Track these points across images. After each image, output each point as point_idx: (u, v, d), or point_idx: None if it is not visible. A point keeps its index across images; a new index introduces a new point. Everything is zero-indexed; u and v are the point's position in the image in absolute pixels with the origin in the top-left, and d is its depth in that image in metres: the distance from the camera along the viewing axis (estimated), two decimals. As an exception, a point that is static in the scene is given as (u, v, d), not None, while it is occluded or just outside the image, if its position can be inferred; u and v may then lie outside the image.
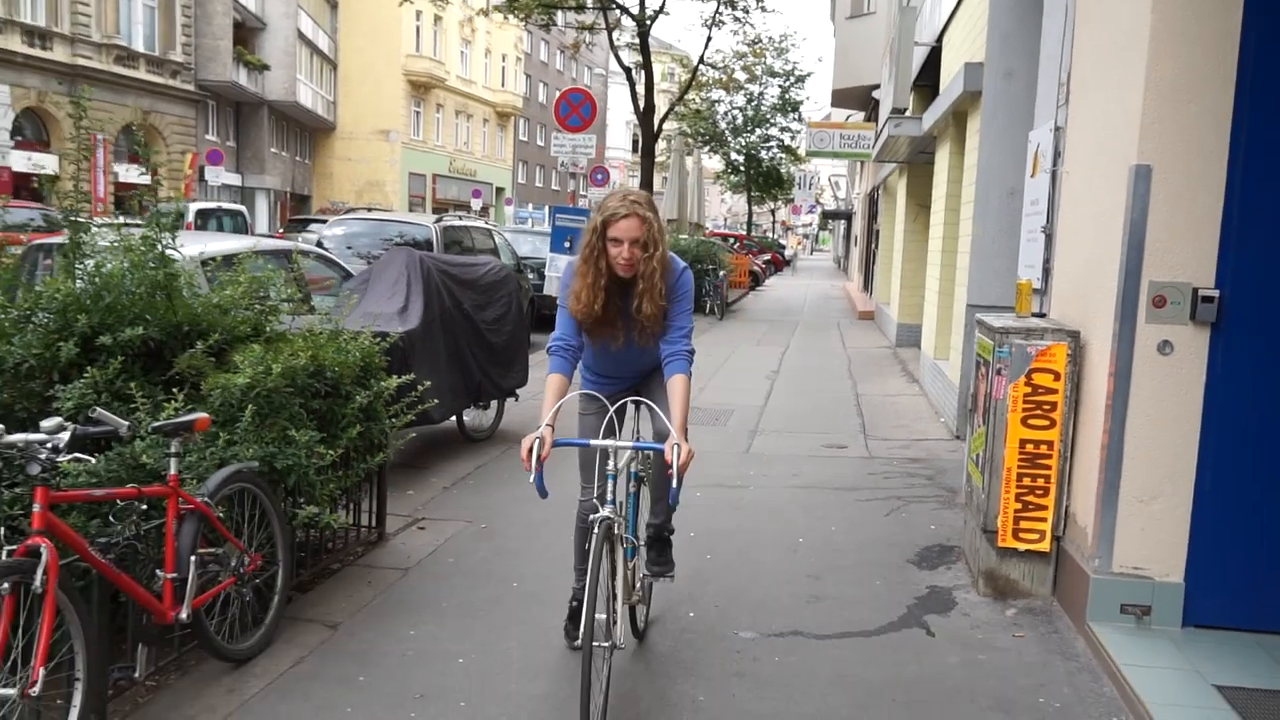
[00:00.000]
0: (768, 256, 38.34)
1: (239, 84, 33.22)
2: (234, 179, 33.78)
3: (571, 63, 61.29)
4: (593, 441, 3.11)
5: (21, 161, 22.89)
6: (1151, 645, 3.64)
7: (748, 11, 22.44)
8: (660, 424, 3.35)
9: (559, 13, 20.49)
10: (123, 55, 27.46)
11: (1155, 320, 3.71)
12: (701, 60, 24.29)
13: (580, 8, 20.19)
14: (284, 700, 3.26)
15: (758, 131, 40.28)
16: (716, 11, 22.11)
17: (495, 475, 6.26)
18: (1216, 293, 3.64)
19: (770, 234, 62.79)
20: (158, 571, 3.18)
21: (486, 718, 3.19)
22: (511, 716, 3.20)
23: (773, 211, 65.58)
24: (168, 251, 4.02)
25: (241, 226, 19.71)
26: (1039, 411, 4.16)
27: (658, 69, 21.44)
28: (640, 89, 20.19)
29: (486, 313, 6.95)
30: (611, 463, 3.04)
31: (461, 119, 51.36)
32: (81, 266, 3.86)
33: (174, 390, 3.68)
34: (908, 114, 11.93)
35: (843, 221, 47.52)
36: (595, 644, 2.84)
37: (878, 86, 17.70)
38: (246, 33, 34.77)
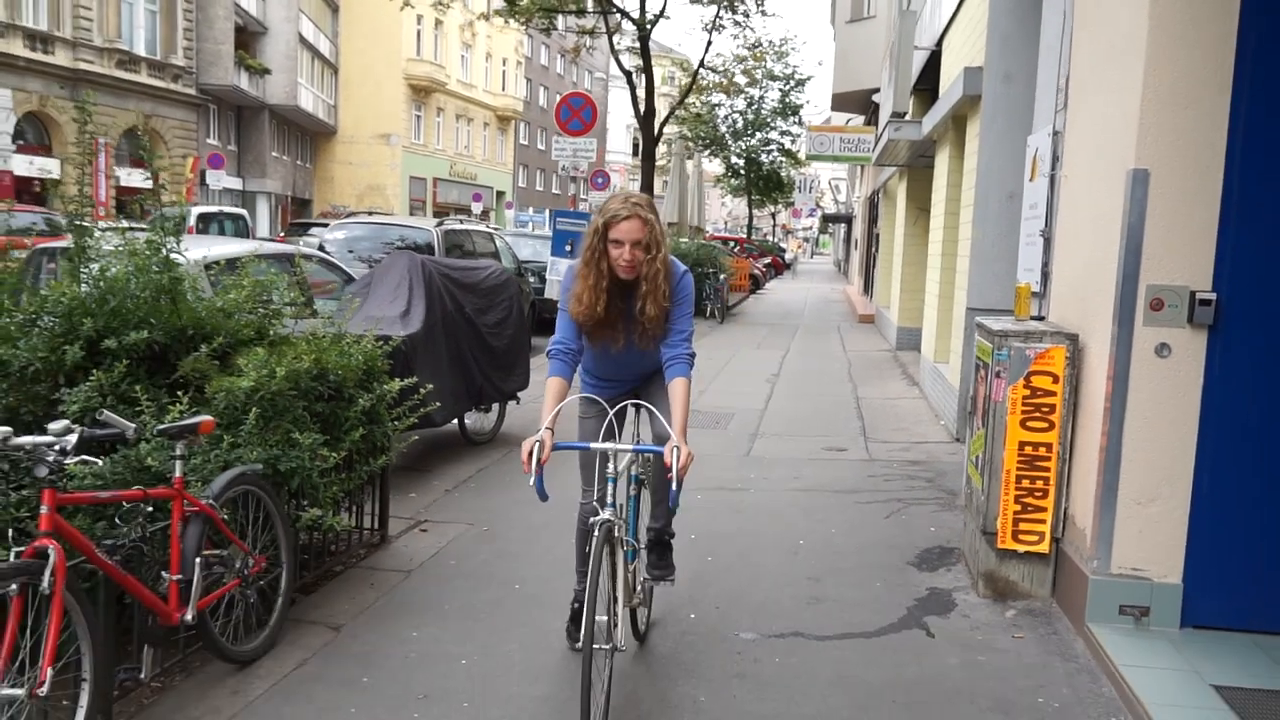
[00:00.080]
0: (768, 260, 38.39)
1: (240, 88, 33.29)
2: (235, 183, 33.82)
3: (572, 67, 61.31)
4: (593, 444, 3.12)
5: (23, 166, 22.91)
6: (1150, 646, 3.66)
7: (748, 16, 22.52)
8: (660, 427, 3.37)
9: (559, 17, 20.55)
10: (124, 59, 27.50)
11: (1153, 323, 3.73)
12: (702, 64, 24.36)
13: (581, 12, 20.25)
14: (288, 702, 3.28)
15: (758, 135, 40.33)
16: (717, 15, 22.19)
17: (496, 478, 6.29)
18: (1214, 296, 3.66)
19: (770, 237, 62.86)
20: (163, 573, 3.20)
21: (489, 719, 3.21)
22: (513, 718, 3.22)
23: (773, 215, 65.59)
24: (172, 256, 4.05)
25: (243, 230, 19.73)
26: (1038, 414, 4.18)
27: (658, 72, 21.50)
28: (641, 93, 20.25)
29: (488, 316, 6.98)
30: (611, 466, 3.04)
31: (462, 123, 51.43)
32: (86, 270, 3.88)
33: (179, 393, 3.70)
34: (907, 118, 11.97)
35: (843, 225, 47.57)
36: (596, 646, 2.85)
37: (878, 90, 17.74)
38: (248, 37, 34.83)
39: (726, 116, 39.62)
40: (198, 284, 4.26)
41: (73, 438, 2.73)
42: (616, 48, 21.35)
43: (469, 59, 51.53)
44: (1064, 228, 4.68)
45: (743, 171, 41.77)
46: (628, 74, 20.97)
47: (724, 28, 22.77)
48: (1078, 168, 4.50)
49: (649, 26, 19.84)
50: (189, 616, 3.17)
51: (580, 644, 2.91)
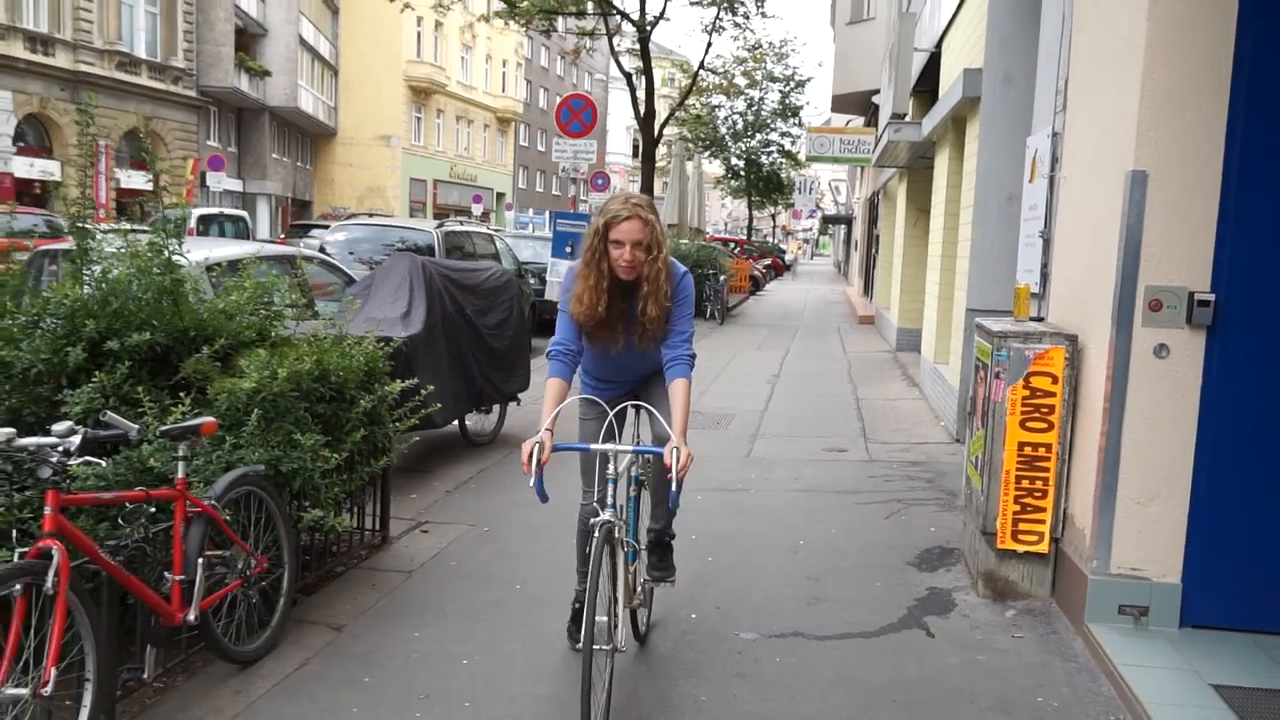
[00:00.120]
0: (768, 261, 38.41)
1: (240, 90, 33.33)
2: (235, 184, 33.86)
3: (572, 68, 61.40)
4: (593, 446, 3.12)
5: (24, 168, 22.95)
6: (1149, 645, 3.68)
7: (748, 17, 22.55)
8: (660, 428, 3.38)
9: (559, 19, 20.57)
10: (125, 61, 27.53)
11: (1151, 324, 3.75)
12: (702, 66, 24.39)
13: (581, 14, 20.28)
14: (290, 702, 3.29)
15: (758, 136, 40.37)
16: (716, 17, 22.22)
17: (497, 479, 6.30)
18: (1212, 296, 3.68)
19: (770, 239, 62.89)
20: (165, 574, 3.22)
21: (491, 719, 3.22)
22: (515, 718, 3.23)
23: (773, 216, 65.64)
24: (174, 257, 4.06)
25: (243, 232, 19.78)
26: (1037, 414, 4.20)
27: (658, 74, 21.54)
28: (641, 95, 20.28)
29: (488, 318, 6.99)
30: (611, 467, 3.04)
31: (462, 124, 51.49)
32: (89, 272, 3.90)
33: (181, 395, 3.72)
34: (907, 119, 11.98)
35: (843, 226, 47.59)
36: (596, 647, 2.86)
37: (878, 92, 17.76)
38: (248, 39, 34.88)
39: (726, 118, 39.66)
40: (199, 285, 4.28)
41: (76, 439, 2.74)
42: (616, 49, 21.38)
43: (469, 61, 51.59)
44: (1063, 229, 4.70)
45: (742, 173, 41.82)
46: (628, 76, 21.00)
47: (724, 29, 22.81)
48: (1077, 169, 4.51)
49: (649, 28, 19.87)
50: (192, 617, 3.18)
51: (581, 644, 2.91)
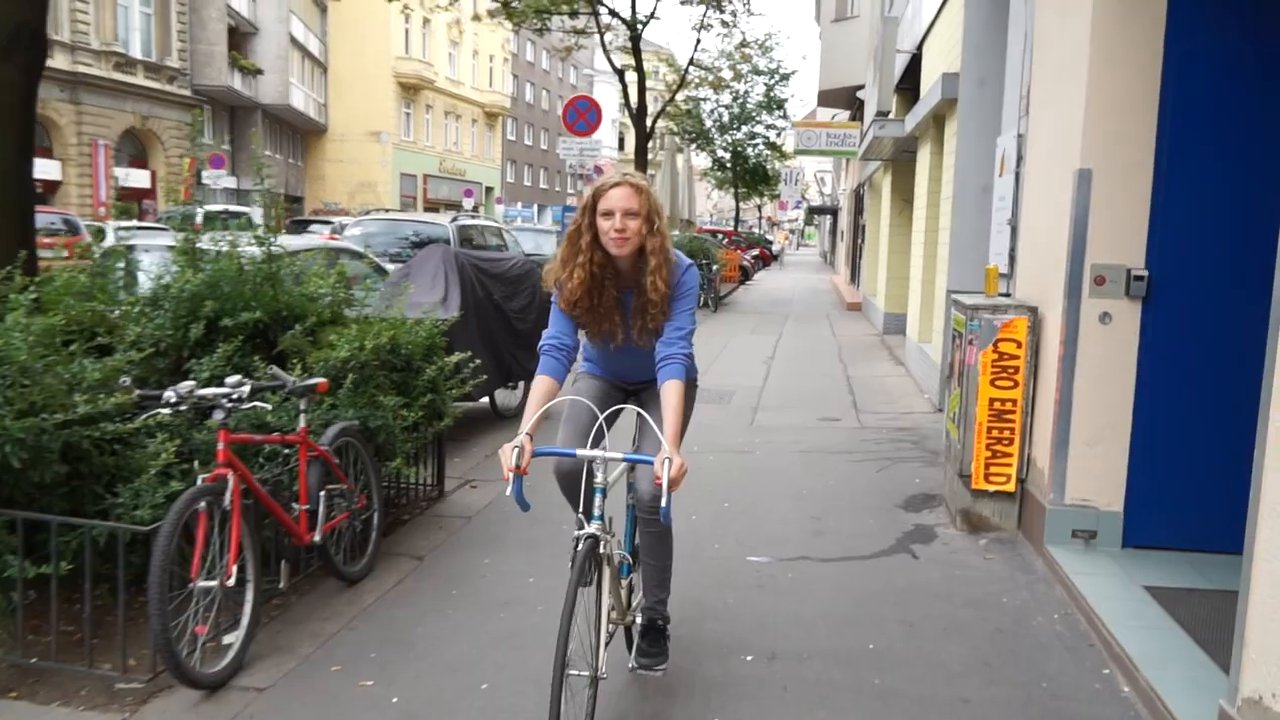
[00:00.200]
0: (756, 252, 39.15)
1: (234, 88, 33.78)
2: (231, 182, 34.33)
3: (559, 63, 61.94)
4: (579, 452, 2.79)
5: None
6: (1095, 560, 4.45)
7: (735, 15, 23.22)
8: (649, 437, 3.07)
9: (552, 18, 21.17)
10: (121, 62, 27.96)
11: (1097, 296, 4.51)
12: (691, 62, 25.06)
13: (574, 13, 20.89)
14: (395, 607, 4.03)
15: (743, 129, 41.05)
16: (704, 15, 22.88)
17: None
18: (1146, 272, 4.44)
19: (756, 229, 63.63)
20: (293, 504, 3.94)
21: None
22: (580, 618, 3.96)
23: (759, 207, 66.40)
24: (273, 249, 4.77)
25: (246, 229, 20.34)
26: (1004, 374, 4.96)
27: (644, 68, 22.16)
28: (633, 91, 20.93)
29: (513, 302, 7.71)
30: (600, 476, 2.77)
31: (450, 119, 52.01)
32: (209, 263, 4.61)
33: (291, 361, 4.43)
34: (891, 116, 12.74)
35: (828, 217, 48.37)
36: (574, 673, 2.69)
37: (862, 87, 18.51)
38: (240, 38, 35.32)
39: (712, 110, 40.30)
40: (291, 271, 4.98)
41: (246, 388, 3.46)
42: (608, 46, 22.00)
43: (456, 56, 52.10)
44: (1027, 217, 5.46)
45: (728, 165, 42.50)
46: (619, 73, 21.64)
47: (711, 26, 23.47)
48: (1037, 166, 5.28)
49: (640, 27, 20.52)
50: (318, 538, 3.91)
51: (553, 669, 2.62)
